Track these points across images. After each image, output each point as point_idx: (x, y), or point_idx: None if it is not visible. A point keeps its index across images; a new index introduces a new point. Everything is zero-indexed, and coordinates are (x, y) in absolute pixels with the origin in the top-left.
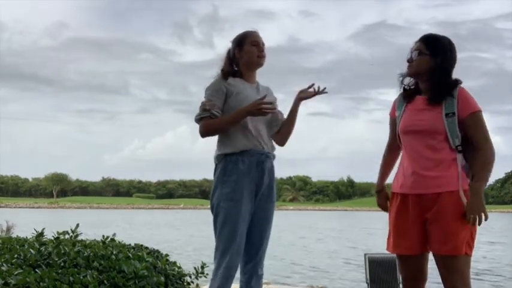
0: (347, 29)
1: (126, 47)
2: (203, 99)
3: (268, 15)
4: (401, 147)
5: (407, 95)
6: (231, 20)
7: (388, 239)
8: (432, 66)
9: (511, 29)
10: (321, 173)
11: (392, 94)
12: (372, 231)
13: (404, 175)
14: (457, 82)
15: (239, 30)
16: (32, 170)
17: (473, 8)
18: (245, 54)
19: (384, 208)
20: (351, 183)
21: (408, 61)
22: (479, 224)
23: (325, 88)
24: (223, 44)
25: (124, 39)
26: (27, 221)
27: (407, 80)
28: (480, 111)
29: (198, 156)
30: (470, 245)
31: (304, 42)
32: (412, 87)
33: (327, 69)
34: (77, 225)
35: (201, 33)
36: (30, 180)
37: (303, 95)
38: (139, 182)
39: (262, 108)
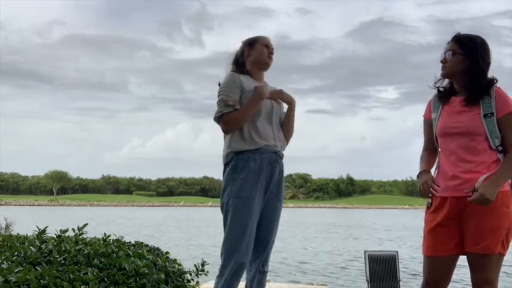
0: (344, 27)
1: (123, 44)
2: (216, 96)
3: (266, 13)
4: (438, 149)
5: (442, 96)
6: (221, 18)
7: (424, 241)
8: (467, 66)
9: (508, 27)
10: (321, 170)
11: (391, 91)
12: (353, 231)
13: (444, 178)
14: (492, 81)
15: (232, 29)
16: (32, 168)
17: (470, 5)
18: (255, 52)
19: (425, 193)
20: (350, 180)
21: (442, 62)
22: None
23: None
24: (212, 42)
25: (121, 37)
26: (27, 218)
27: (442, 81)
28: None
29: (198, 154)
30: (504, 245)
31: (302, 39)
32: (447, 87)
33: (324, 66)
34: (85, 225)
35: (190, 30)
36: (30, 178)
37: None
38: (140, 179)
39: (264, 92)
